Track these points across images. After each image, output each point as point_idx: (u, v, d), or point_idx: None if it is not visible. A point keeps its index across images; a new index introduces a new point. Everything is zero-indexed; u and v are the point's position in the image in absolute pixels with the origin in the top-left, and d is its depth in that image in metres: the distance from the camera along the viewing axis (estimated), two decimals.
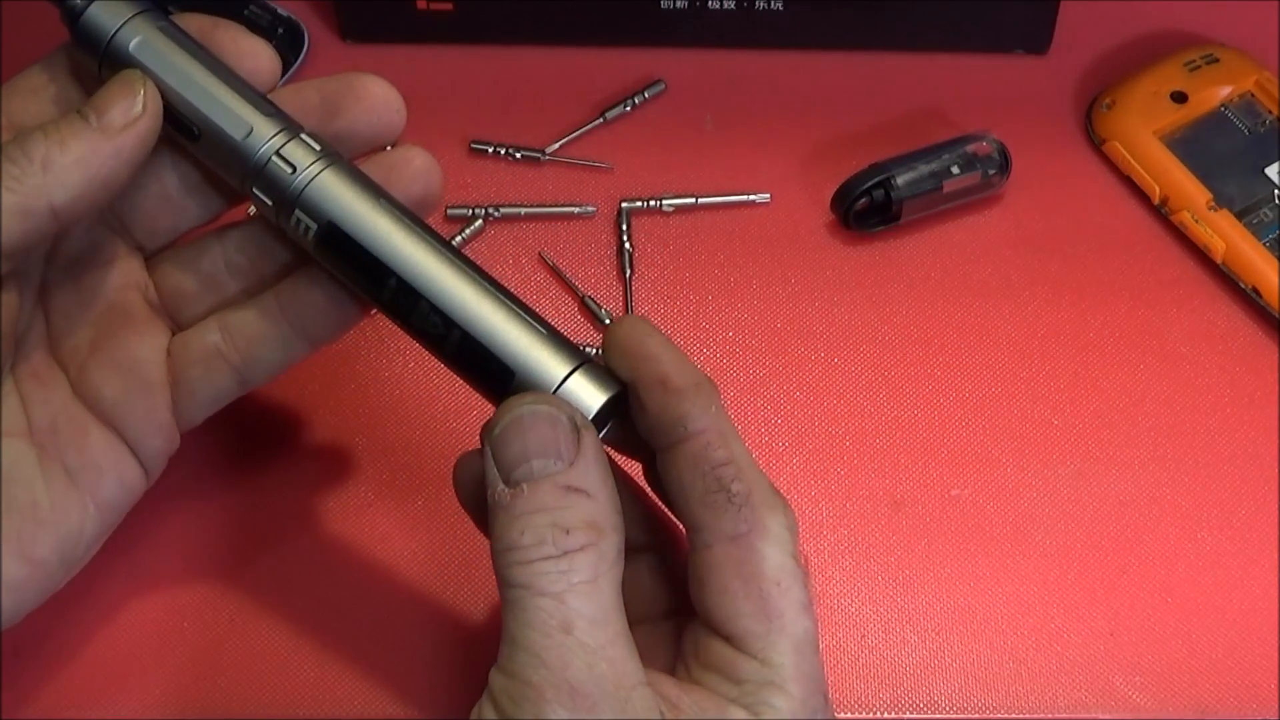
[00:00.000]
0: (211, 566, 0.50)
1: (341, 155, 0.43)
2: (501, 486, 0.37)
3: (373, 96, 0.44)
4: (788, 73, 0.63)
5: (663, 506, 0.42)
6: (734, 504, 0.38)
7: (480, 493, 0.39)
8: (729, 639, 0.38)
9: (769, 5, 0.62)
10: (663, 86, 0.63)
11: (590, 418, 0.39)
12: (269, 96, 0.43)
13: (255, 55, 0.44)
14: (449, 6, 0.62)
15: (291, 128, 0.43)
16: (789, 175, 0.60)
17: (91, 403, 0.44)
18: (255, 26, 0.63)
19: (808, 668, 0.38)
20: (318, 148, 0.42)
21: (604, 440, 0.40)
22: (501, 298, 0.41)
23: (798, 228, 0.59)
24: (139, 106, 0.41)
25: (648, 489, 0.42)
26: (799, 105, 0.62)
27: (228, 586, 0.50)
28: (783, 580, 0.38)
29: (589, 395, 0.40)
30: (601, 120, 0.62)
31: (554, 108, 0.62)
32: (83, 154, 0.40)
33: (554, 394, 0.39)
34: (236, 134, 0.42)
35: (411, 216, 0.42)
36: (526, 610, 0.36)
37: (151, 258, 0.46)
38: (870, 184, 0.57)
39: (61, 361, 0.44)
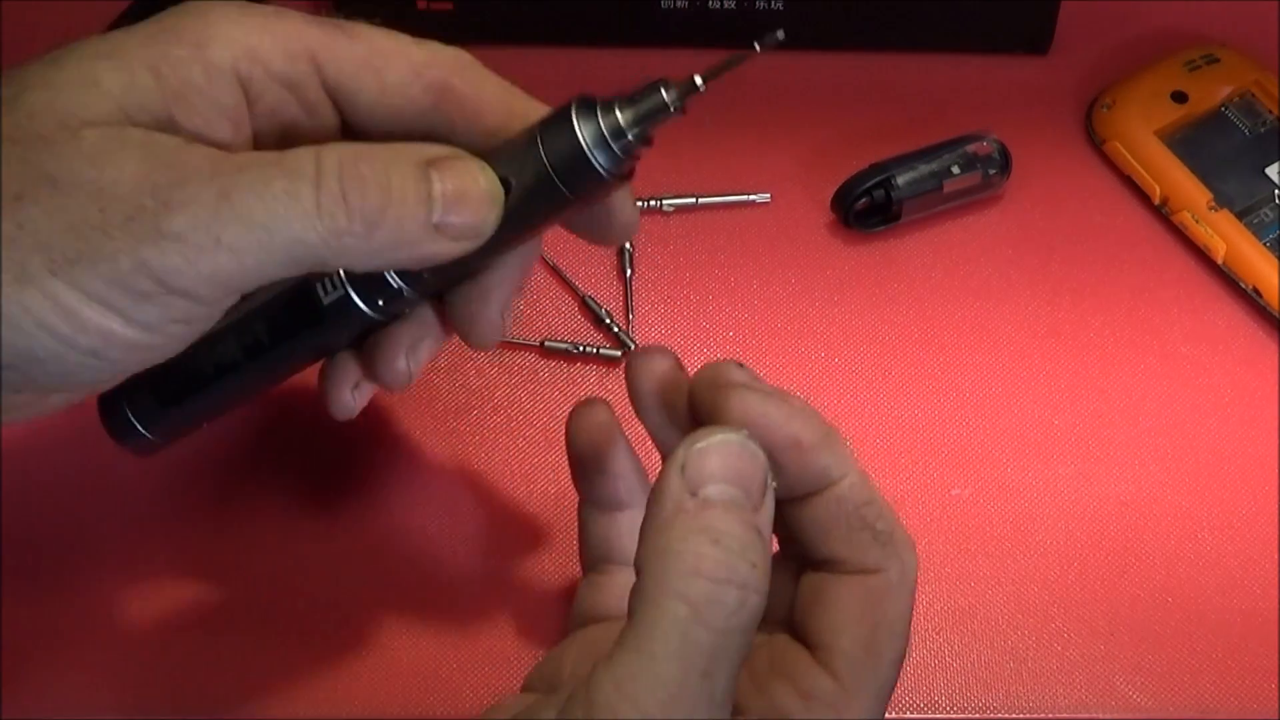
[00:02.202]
0: (211, 568, 0.50)
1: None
2: (688, 495, 0.34)
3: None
4: (788, 73, 0.63)
5: None
6: (878, 541, 0.36)
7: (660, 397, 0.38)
8: (817, 649, 0.36)
9: (769, 5, 0.62)
10: None
11: None
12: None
13: None
14: (449, 6, 0.62)
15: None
16: (789, 175, 0.60)
17: None
18: None
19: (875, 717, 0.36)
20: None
21: None
22: None
23: (798, 228, 0.59)
24: (485, 230, 0.37)
25: None
26: (799, 105, 0.62)
27: (227, 586, 0.50)
28: (897, 628, 0.36)
29: None
30: None
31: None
32: (406, 240, 0.36)
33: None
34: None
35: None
36: (684, 636, 0.32)
37: None
38: (870, 184, 0.57)
39: None
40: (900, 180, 0.57)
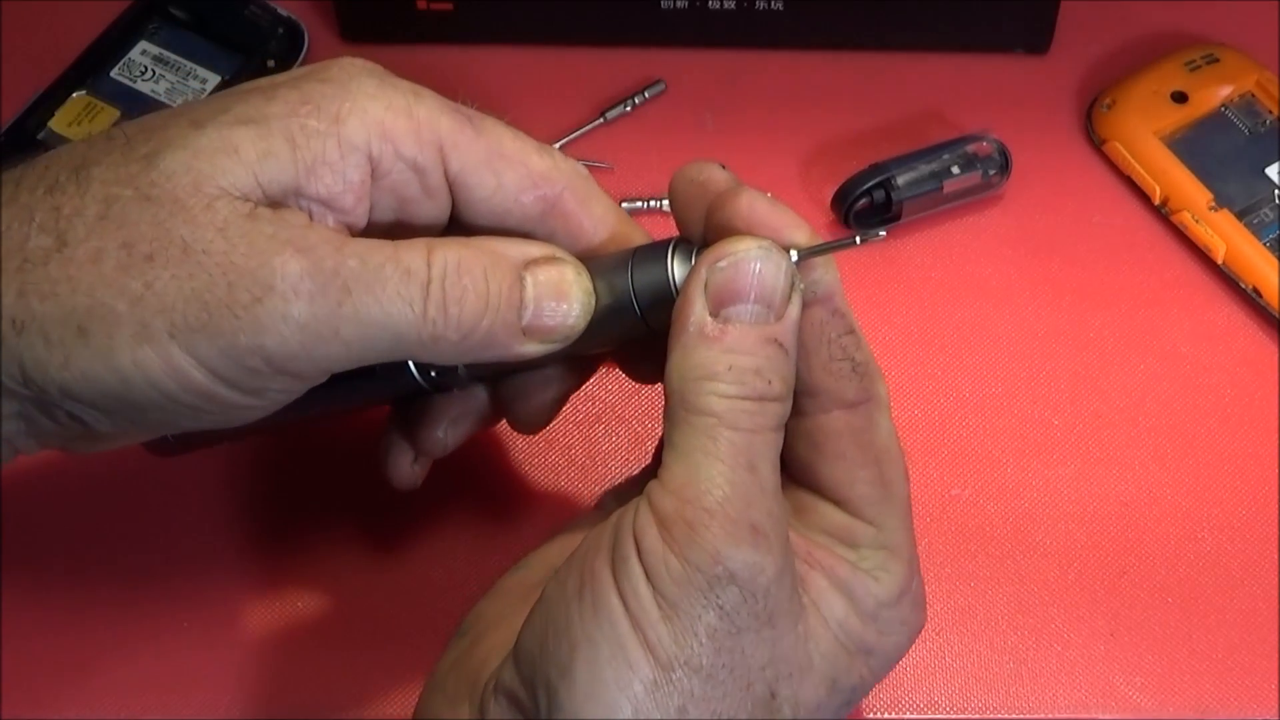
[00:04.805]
0: (210, 570, 0.50)
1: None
2: (709, 317, 0.36)
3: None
4: (788, 73, 0.63)
5: None
6: (856, 373, 0.38)
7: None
8: (841, 503, 0.39)
9: (769, 5, 0.62)
10: (663, 86, 0.62)
11: None
12: None
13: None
14: (449, 6, 0.62)
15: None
16: (789, 175, 0.60)
17: None
18: (255, 26, 0.63)
19: (911, 536, 0.39)
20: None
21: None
22: None
23: None
24: (572, 335, 0.38)
25: None
26: (799, 105, 0.62)
27: (225, 588, 0.50)
28: (891, 448, 0.39)
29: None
30: (601, 120, 0.62)
31: (554, 108, 0.62)
32: (495, 343, 0.38)
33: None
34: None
35: None
36: (717, 441, 0.35)
37: None
38: (870, 184, 0.57)
39: None
40: (900, 180, 0.57)
